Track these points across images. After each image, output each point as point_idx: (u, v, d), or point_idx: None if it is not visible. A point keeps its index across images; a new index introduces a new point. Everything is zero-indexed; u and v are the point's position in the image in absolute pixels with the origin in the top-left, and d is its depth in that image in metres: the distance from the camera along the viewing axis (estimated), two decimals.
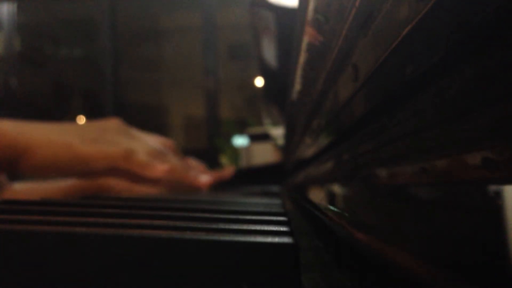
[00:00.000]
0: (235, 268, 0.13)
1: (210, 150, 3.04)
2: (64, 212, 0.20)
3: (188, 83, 3.59)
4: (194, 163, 0.63)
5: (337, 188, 0.24)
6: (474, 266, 0.08)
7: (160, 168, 0.52)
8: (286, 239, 0.14)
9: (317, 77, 0.28)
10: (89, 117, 3.66)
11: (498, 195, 0.08)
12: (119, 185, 0.57)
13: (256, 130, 1.61)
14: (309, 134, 0.39)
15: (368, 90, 0.18)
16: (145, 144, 0.54)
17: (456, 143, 0.10)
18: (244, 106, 3.66)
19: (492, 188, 0.08)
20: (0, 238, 0.14)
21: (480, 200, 0.09)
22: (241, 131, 2.55)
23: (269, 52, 0.86)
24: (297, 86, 0.37)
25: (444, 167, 0.11)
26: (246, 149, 1.56)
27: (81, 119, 3.72)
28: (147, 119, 3.70)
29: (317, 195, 0.31)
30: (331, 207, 0.23)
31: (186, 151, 0.61)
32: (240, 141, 2.27)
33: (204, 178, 0.61)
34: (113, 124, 0.53)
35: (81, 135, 0.50)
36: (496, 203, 0.08)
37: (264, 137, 1.41)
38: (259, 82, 3.12)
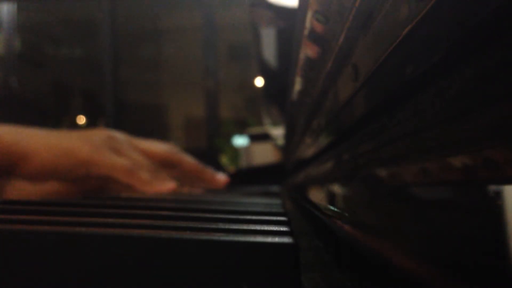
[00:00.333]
0: (235, 268, 0.13)
1: (210, 150, 3.04)
2: (64, 212, 0.20)
3: (188, 83, 3.59)
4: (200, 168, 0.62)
5: (337, 188, 0.24)
6: (474, 266, 0.08)
7: (165, 187, 0.51)
8: (286, 239, 0.14)
9: (317, 77, 0.28)
10: (89, 117, 3.67)
11: (498, 195, 0.08)
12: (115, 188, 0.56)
13: (256, 130, 1.61)
14: (309, 134, 0.39)
15: (368, 90, 0.18)
16: (144, 159, 0.53)
17: (456, 143, 0.10)
18: (244, 106, 3.66)
19: (492, 188, 0.08)
20: (0, 238, 0.14)
21: (480, 200, 0.09)
22: (241, 131, 2.55)
23: (269, 52, 0.86)
24: (297, 86, 0.37)
25: (444, 167, 0.11)
26: (246, 149, 1.56)
27: (81, 119, 3.72)
28: (147, 119, 3.70)
29: (317, 195, 0.31)
30: (331, 207, 0.23)
31: (186, 151, 0.60)
32: (240, 141, 2.27)
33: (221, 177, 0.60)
34: (104, 135, 0.52)
35: (80, 141, 0.49)
36: (496, 203, 0.08)
37: (264, 137, 1.41)
38: (259, 82, 3.12)
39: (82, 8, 3.61)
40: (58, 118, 3.60)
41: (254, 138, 1.51)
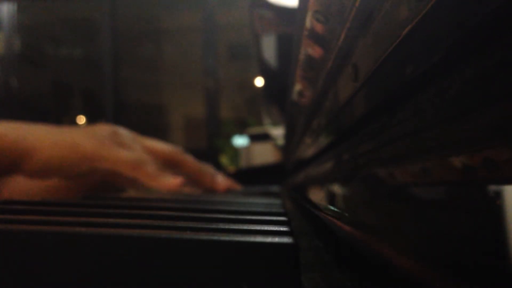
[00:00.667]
0: (235, 268, 0.13)
1: (210, 150, 3.04)
2: (64, 212, 0.20)
3: (188, 83, 3.59)
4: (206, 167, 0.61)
5: (337, 188, 0.24)
6: (474, 266, 0.08)
7: (170, 183, 0.50)
8: (286, 239, 0.14)
9: (317, 77, 0.28)
10: (89, 117, 3.67)
11: (498, 195, 0.08)
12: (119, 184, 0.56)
13: (256, 130, 1.61)
14: (309, 134, 0.39)
15: (368, 90, 0.18)
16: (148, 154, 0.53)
17: (456, 143, 0.10)
18: (244, 106, 3.66)
19: (492, 188, 0.08)
20: (0, 238, 0.14)
21: (480, 200, 0.09)
22: (241, 131, 2.55)
23: (269, 52, 0.86)
24: (297, 86, 0.37)
25: (444, 167, 0.11)
26: (246, 149, 1.56)
27: (81, 119, 3.72)
28: (147, 119, 3.70)
29: (317, 195, 0.31)
30: (331, 207, 0.23)
31: (186, 151, 0.60)
32: (240, 141, 2.27)
33: (221, 181, 0.60)
34: (110, 130, 0.51)
35: (85, 136, 0.49)
36: (496, 203, 0.08)
37: (264, 137, 1.41)
38: (259, 82, 3.12)
39: (82, 8, 3.61)
40: (58, 118, 3.60)
41: (254, 138, 1.51)
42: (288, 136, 0.71)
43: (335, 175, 0.27)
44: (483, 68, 0.09)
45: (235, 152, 2.49)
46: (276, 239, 0.14)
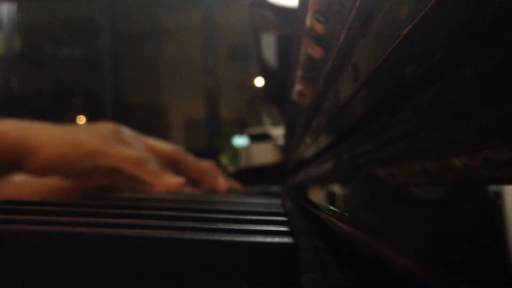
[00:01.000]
0: (235, 268, 0.13)
1: (210, 150, 3.04)
2: (64, 212, 0.20)
3: (188, 83, 3.59)
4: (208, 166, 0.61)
5: (337, 188, 0.24)
6: (474, 266, 0.08)
7: (172, 181, 0.50)
8: (286, 239, 0.14)
9: (317, 77, 0.28)
10: (89, 117, 3.67)
11: (498, 195, 0.08)
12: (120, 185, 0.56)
13: (256, 130, 1.61)
14: (309, 134, 0.39)
15: (368, 90, 0.18)
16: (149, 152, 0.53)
17: (456, 143, 0.10)
18: (244, 106, 3.66)
19: (492, 188, 0.08)
20: (0, 238, 0.14)
21: (480, 200, 0.09)
22: (241, 131, 2.55)
23: (269, 52, 0.86)
24: (297, 86, 0.37)
25: (444, 167, 0.11)
26: (246, 149, 1.56)
27: (81, 119, 3.72)
28: (147, 119, 3.70)
29: (317, 195, 0.31)
30: (331, 207, 0.23)
31: (186, 151, 0.61)
32: (240, 141, 2.27)
33: (222, 182, 0.60)
34: (112, 128, 0.52)
35: (88, 133, 0.49)
36: (496, 203, 0.08)
37: (264, 137, 1.41)
38: (259, 82, 3.12)
39: (82, 8, 3.61)
40: (58, 118, 3.60)
41: (254, 138, 1.51)
42: (288, 136, 0.71)
43: (335, 175, 0.27)
44: (483, 68, 0.09)
45: (235, 152, 2.49)
46: (276, 239, 0.14)
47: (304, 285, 0.16)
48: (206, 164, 0.60)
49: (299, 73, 0.33)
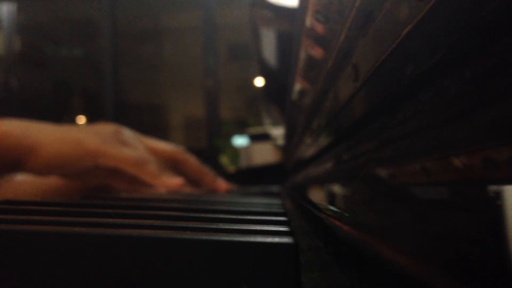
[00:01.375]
0: (235, 268, 0.13)
1: (210, 150, 3.04)
2: (64, 212, 0.20)
3: (188, 83, 3.59)
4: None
5: (337, 188, 0.24)
6: (473, 266, 0.08)
7: (171, 182, 0.50)
8: (286, 239, 0.14)
9: (317, 77, 0.28)
10: (89, 117, 3.67)
11: (498, 195, 0.08)
12: (120, 186, 0.57)
13: (256, 130, 1.61)
14: (309, 134, 0.39)
15: (368, 90, 0.18)
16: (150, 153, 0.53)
17: (456, 143, 0.10)
18: (244, 106, 3.66)
19: (492, 188, 0.08)
20: (0, 238, 0.14)
21: (480, 200, 0.09)
22: (241, 131, 2.55)
23: (269, 52, 0.86)
24: (297, 86, 0.37)
25: (444, 167, 0.11)
26: (246, 149, 1.56)
27: (81, 119, 3.72)
28: (147, 119, 3.70)
29: (317, 195, 0.31)
30: (331, 207, 0.23)
31: (187, 151, 0.61)
32: (240, 141, 2.27)
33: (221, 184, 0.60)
34: (113, 129, 0.52)
35: (88, 133, 0.49)
36: (496, 203, 0.08)
37: (264, 137, 1.41)
38: (259, 82, 3.12)
39: (82, 8, 3.61)
40: (58, 118, 3.60)
41: (254, 138, 1.51)
42: (288, 136, 0.71)
43: (335, 175, 0.27)
44: (483, 68, 0.09)
45: (235, 152, 2.49)
46: (276, 239, 0.14)
47: (304, 285, 0.16)
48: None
49: (299, 73, 0.33)
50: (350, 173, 0.22)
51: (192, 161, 0.59)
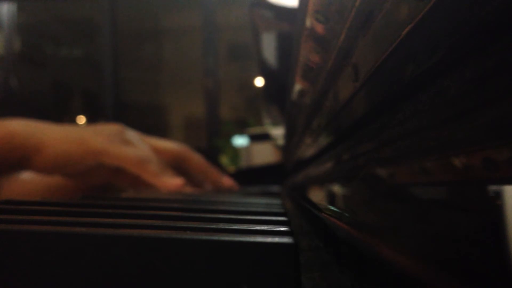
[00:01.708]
0: (235, 268, 0.13)
1: (210, 150, 3.04)
2: (64, 212, 0.20)
3: (188, 83, 3.59)
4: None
5: (337, 188, 0.24)
6: (473, 266, 0.08)
7: (172, 182, 0.51)
8: (286, 239, 0.14)
9: (317, 77, 0.28)
10: (89, 117, 3.67)
11: (498, 195, 0.08)
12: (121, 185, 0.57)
13: (256, 130, 1.61)
14: (309, 134, 0.39)
15: (368, 90, 0.18)
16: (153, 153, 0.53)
17: (456, 143, 0.10)
18: (244, 106, 3.66)
19: (492, 188, 0.08)
20: (0, 238, 0.14)
21: (480, 200, 0.09)
22: (241, 131, 2.55)
23: (269, 52, 0.86)
24: (297, 86, 0.37)
25: (444, 167, 0.11)
26: (246, 149, 1.56)
27: (81, 119, 3.72)
28: (147, 119, 3.70)
29: (317, 195, 0.31)
30: (331, 207, 0.23)
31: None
32: (240, 141, 2.27)
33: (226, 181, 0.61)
34: (117, 129, 0.52)
35: (92, 133, 0.50)
36: (496, 203, 0.08)
37: (264, 137, 1.41)
38: (259, 82, 3.12)
39: (82, 8, 3.61)
40: (58, 118, 3.60)
41: (254, 138, 1.51)
42: (288, 136, 0.71)
43: (335, 175, 0.27)
44: (483, 68, 0.09)
45: (235, 152, 2.49)
46: (276, 239, 0.14)
47: (304, 285, 0.16)
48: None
49: (299, 73, 0.33)
50: (350, 173, 0.22)
51: (197, 158, 0.59)
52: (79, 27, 3.75)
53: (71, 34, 3.78)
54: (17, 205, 0.21)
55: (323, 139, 0.33)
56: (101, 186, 0.57)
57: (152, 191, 0.57)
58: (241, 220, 0.19)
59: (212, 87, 3.34)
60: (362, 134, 0.21)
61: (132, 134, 0.53)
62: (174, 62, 3.71)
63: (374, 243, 0.14)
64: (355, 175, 0.21)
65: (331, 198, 0.25)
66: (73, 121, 3.69)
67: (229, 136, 3.01)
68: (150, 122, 3.70)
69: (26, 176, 0.57)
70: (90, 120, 3.64)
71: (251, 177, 1.02)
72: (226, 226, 0.17)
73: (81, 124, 3.58)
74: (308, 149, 0.43)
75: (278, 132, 1.19)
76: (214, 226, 0.17)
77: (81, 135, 0.49)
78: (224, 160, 2.75)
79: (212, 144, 3.12)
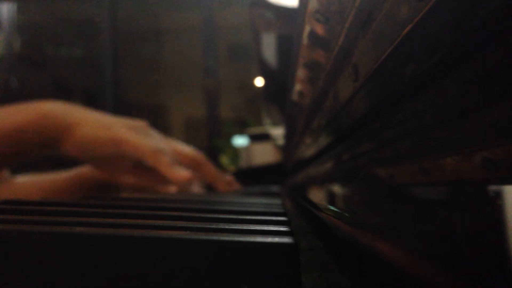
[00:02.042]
0: (235, 268, 0.13)
1: (210, 150, 3.04)
2: (64, 212, 0.20)
3: (188, 83, 3.59)
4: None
5: (337, 188, 0.24)
6: (474, 266, 0.08)
7: (182, 174, 0.53)
8: (286, 239, 0.14)
9: (317, 77, 0.28)
10: None
11: (498, 195, 0.08)
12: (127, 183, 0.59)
13: (256, 130, 1.61)
14: (309, 134, 0.39)
15: (368, 90, 0.18)
16: (173, 149, 0.57)
17: (456, 143, 0.10)
18: (244, 106, 3.66)
19: (492, 188, 0.08)
20: (0, 238, 0.14)
21: (480, 200, 0.09)
22: (241, 131, 2.55)
23: (269, 52, 0.86)
24: (297, 86, 0.37)
25: (444, 167, 0.11)
26: (246, 149, 1.56)
27: None
28: (147, 119, 3.70)
29: (317, 195, 0.31)
30: (331, 207, 0.23)
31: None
32: (240, 141, 2.27)
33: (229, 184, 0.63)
34: (142, 124, 0.56)
35: (119, 122, 0.53)
36: (496, 203, 0.08)
37: (264, 137, 1.41)
38: (259, 82, 3.12)
39: (82, 8, 3.61)
40: None
41: (254, 138, 1.51)
42: (288, 136, 0.71)
43: (335, 175, 0.27)
44: (483, 68, 0.09)
45: (235, 152, 2.49)
46: (276, 239, 0.14)
47: (304, 285, 0.16)
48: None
49: (299, 73, 0.33)
50: (350, 173, 0.22)
51: (210, 165, 0.63)
52: (79, 27, 3.75)
53: (71, 34, 3.78)
54: (17, 205, 0.21)
55: (323, 139, 0.33)
56: (113, 185, 0.60)
57: (166, 189, 0.59)
58: (241, 220, 0.19)
59: (212, 87, 3.34)
60: (362, 134, 0.21)
61: (154, 131, 0.57)
62: (174, 62, 3.71)
63: (374, 243, 0.14)
64: (355, 175, 0.21)
65: (331, 198, 0.25)
66: None
67: (229, 136, 3.01)
68: (150, 122, 3.69)
69: (23, 178, 0.59)
70: None
71: (251, 177, 1.02)
72: (226, 226, 0.17)
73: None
74: (308, 149, 0.43)
75: (278, 132, 1.19)
76: (214, 226, 0.17)
77: (109, 122, 0.53)
78: (224, 160, 2.75)
79: (212, 144, 3.12)
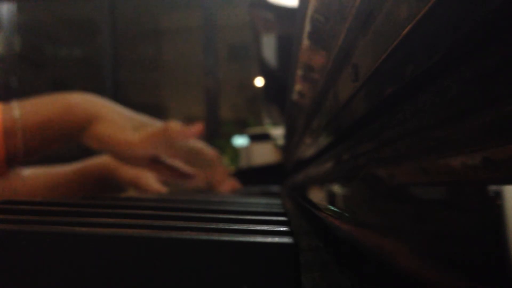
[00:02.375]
0: (235, 268, 0.13)
1: None
2: (64, 212, 0.20)
3: (188, 83, 3.59)
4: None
5: (337, 188, 0.24)
6: (474, 266, 0.08)
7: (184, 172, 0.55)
8: (286, 239, 0.14)
9: (317, 77, 0.28)
10: None
11: (498, 195, 0.08)
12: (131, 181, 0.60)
13: (256, 130, 1.61)
14: (309, 134, 0.39)
15: (368, 90, 0.18)
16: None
17: (456, 143, 0.10)
18: (244, 106, 3.66)
19: (492, 188, 0.08)
20: (0, 238, 0.14)
21: (480, 200, 0.09)
22: (241, 131, 2.55)
23: (269, 52, 0.86)
24: (297, 86, 0.37)
25: (444, 167, 0.11)
26: (246, 149, 1.56)
27: None
28: None
29: (317, 195, 0.31)
30: (331, 207, 0.23)
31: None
32: (240, 141, 2.27)
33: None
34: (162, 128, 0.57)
35: (138, 121, 0.56)
36: (496, 203, 0.08)
37: (264, 137, 1.41)
38: (259, 82, 3.12)
39: (82, 8, 3.61)
40: None
41: (254, 138, 1.51)
42: (288, 136, 0.71)
43: (335, 175, 0.27)
44: (483, 68, 0.09)
45: (235, 152, 2.49)
46: (276, 239, 0.14)
47: (304, 285, 0.16)
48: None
49: (299, 73, 0.33)
50: (350, 173, 0.22)
51: (223, 167, 0.64)
52: (79, 27, 3.75)
53: (71, 34, 3.78)
54: (17, 205, 0.21)
55: (323, 139, 0.33)
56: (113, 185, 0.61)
57: (152, 192, 0.59)
58: (241, 220, 0.19)
59: (212, 87, 3.34)
60: (362, 134, 0.21)
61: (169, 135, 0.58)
62: (174, 62, 3.71)
63: (374, 243, 0.14)
64: (355, 175, 0.21)
65: (331, 198, 0.25)
66: None
67: (229, 136, 3.01)
68: None
69: (31, 171, 0.60)
70: None
71: (251, 177, 1.02)
72: (226, 226, 0.17)
73: None
74: (308, 149, 0.43)
75: (278, 132, 1.19)
76: (214, 226, 0.17)
77: (131, 115, 0.55)
78: (224, 160, 2.75)
79: (212, 144, 3.11)
